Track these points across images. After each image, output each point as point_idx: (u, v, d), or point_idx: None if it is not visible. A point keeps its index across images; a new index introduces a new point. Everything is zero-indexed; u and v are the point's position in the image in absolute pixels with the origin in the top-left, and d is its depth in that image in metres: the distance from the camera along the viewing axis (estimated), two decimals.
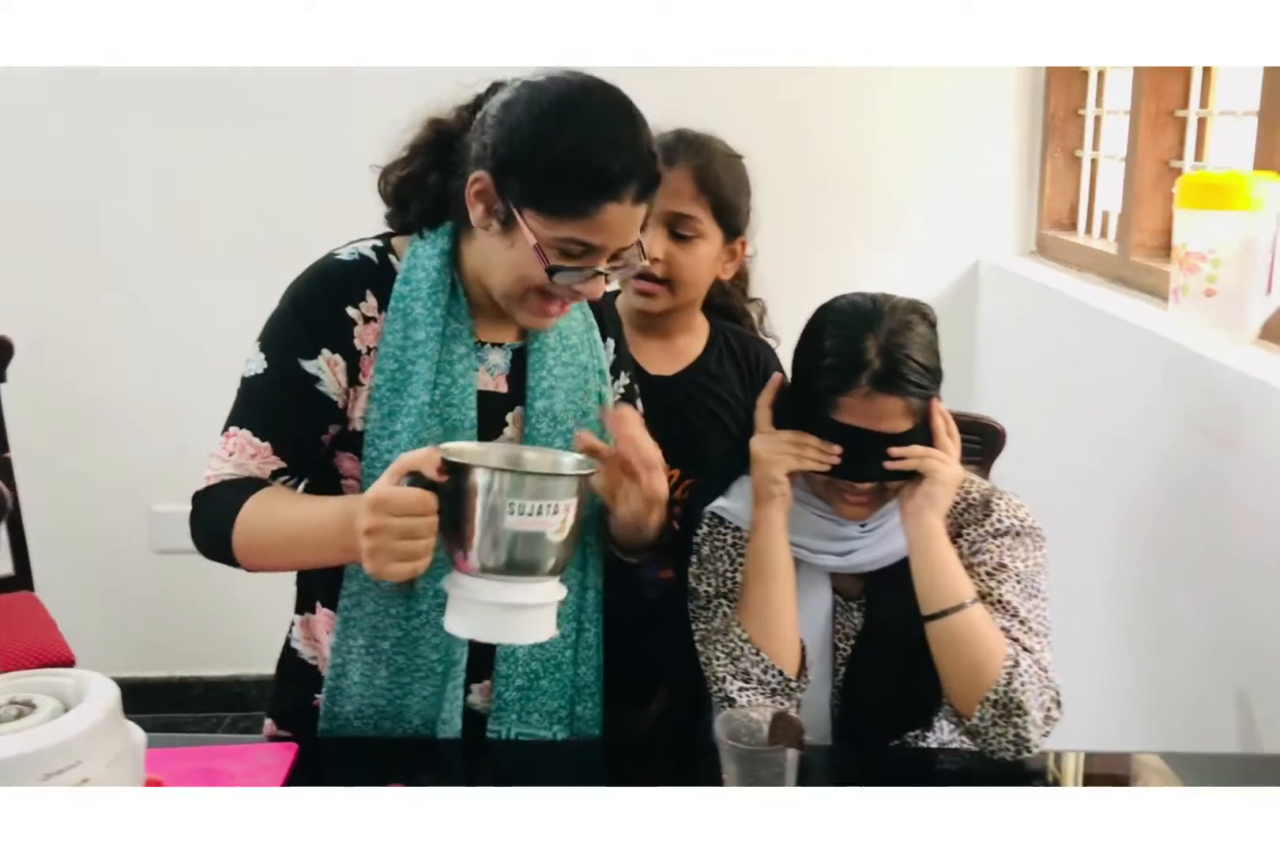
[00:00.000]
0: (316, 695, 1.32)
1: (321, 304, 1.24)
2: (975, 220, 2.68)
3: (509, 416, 1.31)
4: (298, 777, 1.21)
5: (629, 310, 1.57)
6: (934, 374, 1.26)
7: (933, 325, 1.29)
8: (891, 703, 1.34)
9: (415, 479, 1.08)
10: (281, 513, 1.21)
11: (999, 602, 1.30)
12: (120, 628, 2.82)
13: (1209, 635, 1.65)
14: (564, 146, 1.14)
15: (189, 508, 1.27)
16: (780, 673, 1.29)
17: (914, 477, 1.27)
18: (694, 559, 1.39)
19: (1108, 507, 1.98)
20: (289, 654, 1.38)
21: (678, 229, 1.51)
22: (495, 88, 1.24)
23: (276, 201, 2.56)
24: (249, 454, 1.24)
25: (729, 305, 1.69)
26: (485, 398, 1.28)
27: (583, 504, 1.13)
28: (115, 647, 2.84)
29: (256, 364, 1.25)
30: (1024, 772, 1.26)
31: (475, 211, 1.20)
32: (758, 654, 1.29)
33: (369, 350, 1.25)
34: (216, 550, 1.23)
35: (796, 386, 1.32)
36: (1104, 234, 2.43)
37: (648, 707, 1.56)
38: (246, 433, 1.24)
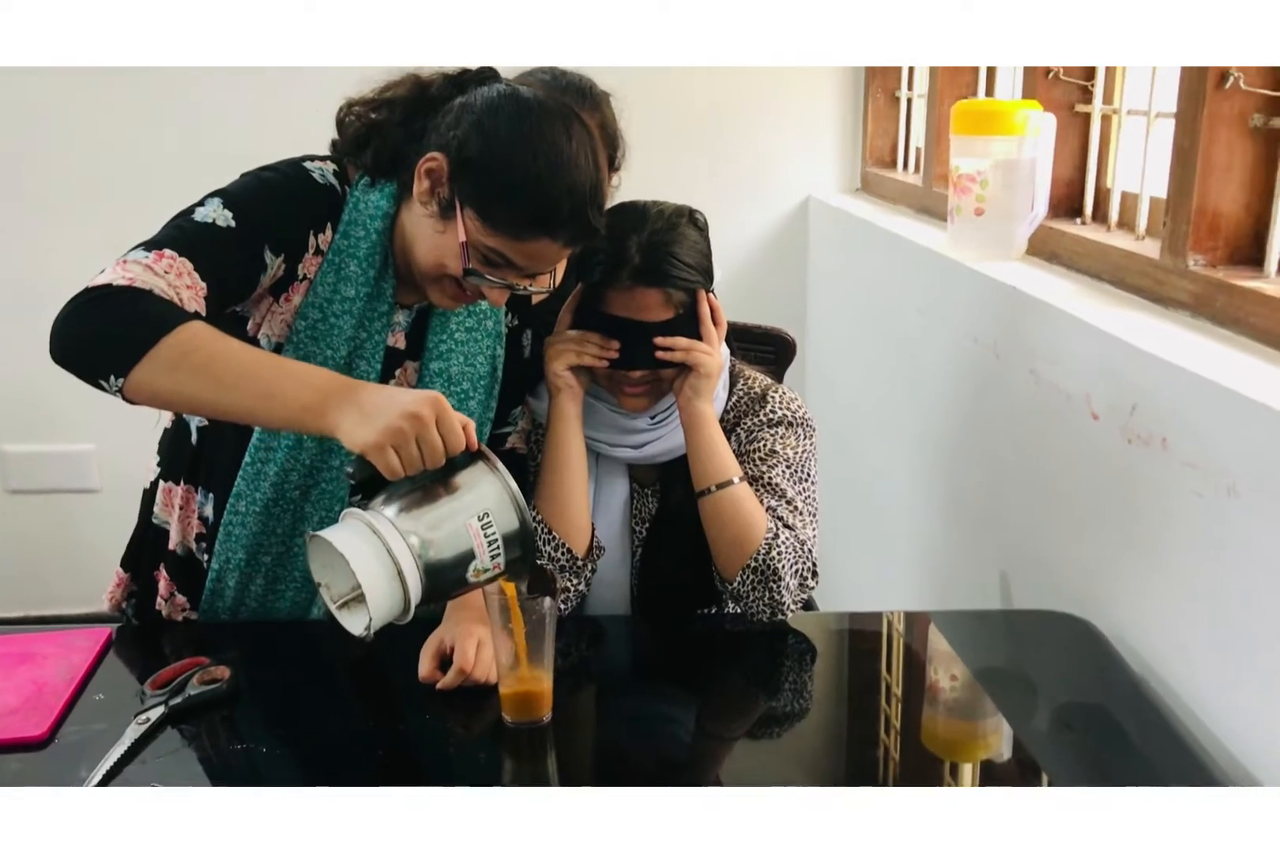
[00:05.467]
0: (156, 573, 1.39)
1: (302, 216, 1.24)
2: (806, 160, 2.82)
3: (398, 371, 1.34)
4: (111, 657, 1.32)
5: None
6: (697, 270, 1.37)
7: (701, 229, 1.40)
8: (684, 578, 1.47)
9: None
10: (249, 347, 1.10)
11: (769, 484, 1.43)
12: None
13: (980, 513, 1.84)
14: (529, 176, 1.17)
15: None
16: (570, 551, 1.40)
17: (682, 367, 1.39)
18: None
19: (907, 405, 2.16)
20: (146, 516, 1.41)
21: None
22: (485, 75, 1.26)
23: (121, 160, 2.57)
24: (185, 284, 1.12)
25: None
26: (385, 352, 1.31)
27: (501, 591, 1.09)
28: None
29: (222, 218, 1.18)
30: (792, 629, 1.40)
31: (420, 185, 1.21)
32: (550, 533, 1.40)
33: (303, 278, 1.26)
34: (106, 349, 1.05)
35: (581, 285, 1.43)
36: (918, 169, 2.58)
37: None
38: (187, 262, 1.13)
